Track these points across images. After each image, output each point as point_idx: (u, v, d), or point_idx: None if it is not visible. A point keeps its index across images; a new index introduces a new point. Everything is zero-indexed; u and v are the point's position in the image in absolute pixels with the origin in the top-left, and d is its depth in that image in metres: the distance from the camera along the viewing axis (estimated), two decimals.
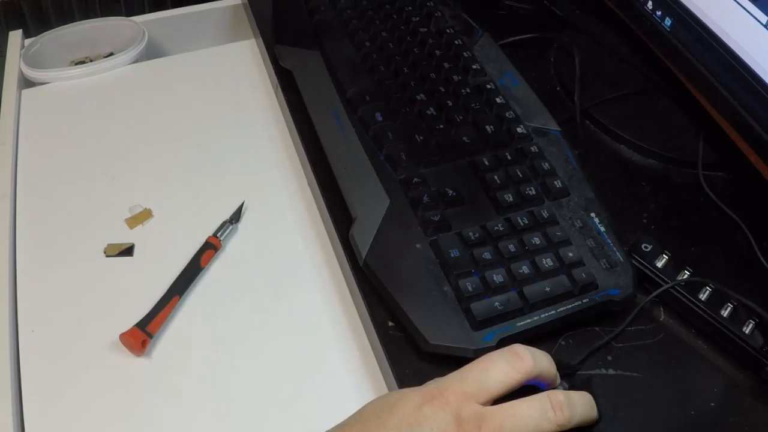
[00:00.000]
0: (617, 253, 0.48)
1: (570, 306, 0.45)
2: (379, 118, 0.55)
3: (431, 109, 0.56)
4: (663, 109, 0.64)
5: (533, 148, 0.54)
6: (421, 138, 0.54)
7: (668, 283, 0.47)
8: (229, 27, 0.79)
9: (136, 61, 0.69)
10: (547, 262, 0.46)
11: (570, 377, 0.41)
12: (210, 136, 0.62)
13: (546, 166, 0.52)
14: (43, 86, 0.67)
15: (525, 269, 0.46)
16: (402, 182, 0.51)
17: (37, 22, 0.83)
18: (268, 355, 0.48)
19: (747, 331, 0.45)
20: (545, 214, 0.49)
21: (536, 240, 0.47)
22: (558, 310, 0.45)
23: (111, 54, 0.73)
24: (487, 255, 0.46)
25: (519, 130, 0.55)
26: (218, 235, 0.53)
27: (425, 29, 0.64)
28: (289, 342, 0.49)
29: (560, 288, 0.45)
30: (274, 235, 0.55)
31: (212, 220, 0.55)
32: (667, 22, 0.56)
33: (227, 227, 0.54)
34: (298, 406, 0.46)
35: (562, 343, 0.46)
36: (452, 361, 0.42)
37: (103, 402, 0.45)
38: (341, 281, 0.52)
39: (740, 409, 0.44)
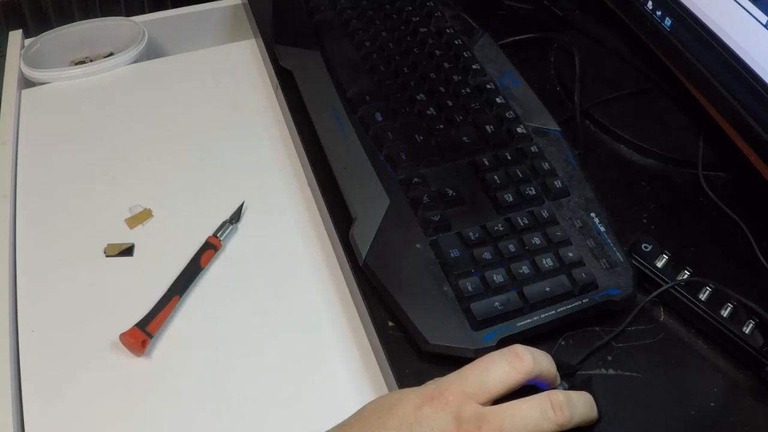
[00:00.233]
0: (617, 253, 0.48)
1: (570, 306, 0.45)
2: (379, 118, 0.55)
3: (431, 109, 0.56)
4: (663, 109, 0.64)
5: (533, 148, 0.54)
6: (421, 138, 0.54)
7: (668, 283, 0.47)
8: (229, 27, 0.79)
9: (136, 61, 0.69)
10: (547, 262, 0.46)
11: (570, 377, 0.41)
12: (210, 136, 0.62)
13: (546, 166, 0.52)
14: (43, 86, 0.67)
15: (525, 269, 0.46)
16: (402, 182, 0.51)
17: (37, 22, 0.83)
18: (268, 355, 0.48)
19: (747, 331, 0.45)
20: (545, 214, 0.49)
21: (536, 240, 0.47)
22: (558, 310, 0.45)
23: (111, 54, 0.73)
24: (487, 255, 0.46)
25: (519, 130, 0.55)
26: (218, 235, 0.53)
27: (425, 29, 0.64)
28: (289, 342, 0.49)
29: (560, 288, 0.45)
30: (274, 235, 0.55)
31: (212, 220, 0.55)
32: (667, 22, 0.56)
33: (227, 227, 0.54)
34: (298, 406, 0.46)
35: (562, 343, 0.46)
36: (452, 361, 0.42)
37: (103, 402, 0.45)
38: (341, 281, 0.52)
39: (740, 409, 0.44)
